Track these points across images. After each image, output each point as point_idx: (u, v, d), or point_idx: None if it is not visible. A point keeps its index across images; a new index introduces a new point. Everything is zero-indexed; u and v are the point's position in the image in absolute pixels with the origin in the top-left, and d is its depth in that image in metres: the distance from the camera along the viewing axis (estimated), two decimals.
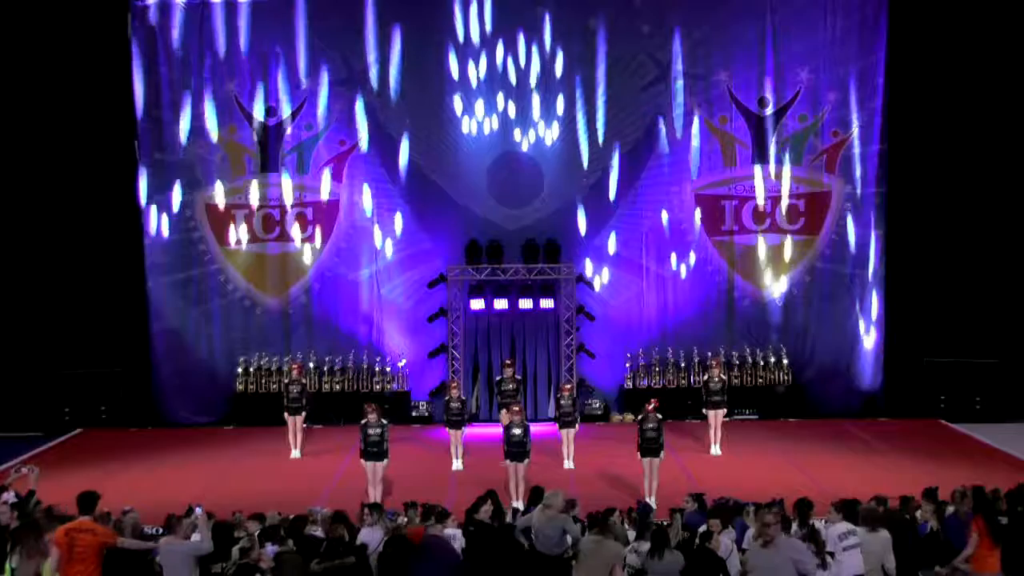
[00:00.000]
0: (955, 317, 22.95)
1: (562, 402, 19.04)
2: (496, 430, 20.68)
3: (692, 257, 23.75)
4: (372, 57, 23.40)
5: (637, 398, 22.88)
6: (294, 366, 21.45)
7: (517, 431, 17.15)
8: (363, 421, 17.13)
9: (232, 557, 11.66)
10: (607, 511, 12.61)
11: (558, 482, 16.95)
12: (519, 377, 21.25)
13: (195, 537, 11.40)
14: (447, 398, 19.44)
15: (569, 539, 11.21)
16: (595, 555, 10.65)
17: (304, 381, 21.06)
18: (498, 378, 21.35)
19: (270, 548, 11.92)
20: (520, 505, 16.53)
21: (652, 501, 16.32)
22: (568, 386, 19.76)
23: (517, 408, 17.72)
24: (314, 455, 20.45)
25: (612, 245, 23.70)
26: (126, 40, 23.11)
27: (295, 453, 20.33)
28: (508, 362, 21.28)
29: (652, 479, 16.79)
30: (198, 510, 12.24)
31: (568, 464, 18.82)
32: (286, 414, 20.47)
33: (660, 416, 17.14)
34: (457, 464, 18.98)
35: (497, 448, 20.06)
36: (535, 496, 14.63)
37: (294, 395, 20.43)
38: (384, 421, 17.26)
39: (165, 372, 23.62)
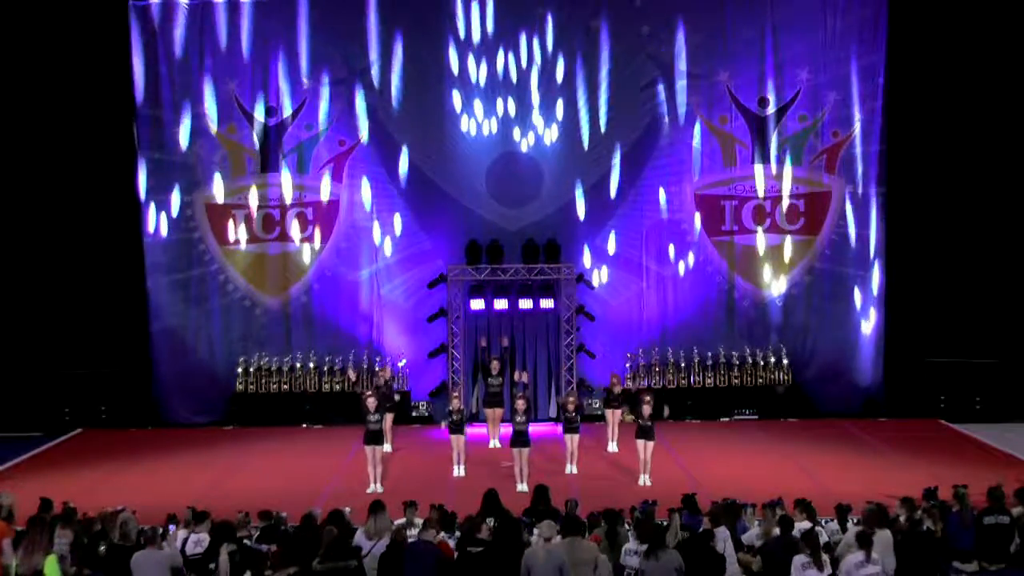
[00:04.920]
0: (955, 317, 22.95)
1: (568, 413, 18.82)
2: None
3: (692, 257, 23.76)
4: (372, 57, 23.40)
5: (637, 398, 22.91)
6: (385, 370, 20.77)
7: (520, 426, 17.80)
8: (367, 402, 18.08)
9: (221, 558, 11.72)
10: (585, 518, 12.98)
11: (559, 482, 16.99)
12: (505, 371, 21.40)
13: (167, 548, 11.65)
14: (448, 408, 19.24)
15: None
16: (573, 556, 10.79)
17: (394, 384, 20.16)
18: (491, 380, 21.33)
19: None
20: (524, 488, 17.02)
21: (647, 478, 17.72)
22: (572, 398, 19.50)
23: (522, 401, 18.02)
24: (314, 455, 20.44)
25: (612, 245, 23.70)
26: (126, 40, 23.11)
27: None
28: (495, 357, 21.50)
29: (646, 458, 17.84)
30: (171, 527, 12.43)
31: (571, 468, 18.74)
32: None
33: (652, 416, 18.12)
34: (459, 471, 18.68)
35: (495, 450, 20.28)
36: (540, 494, 14.73)
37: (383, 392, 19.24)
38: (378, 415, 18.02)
39: (165, 372, 23.61)
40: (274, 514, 13.73)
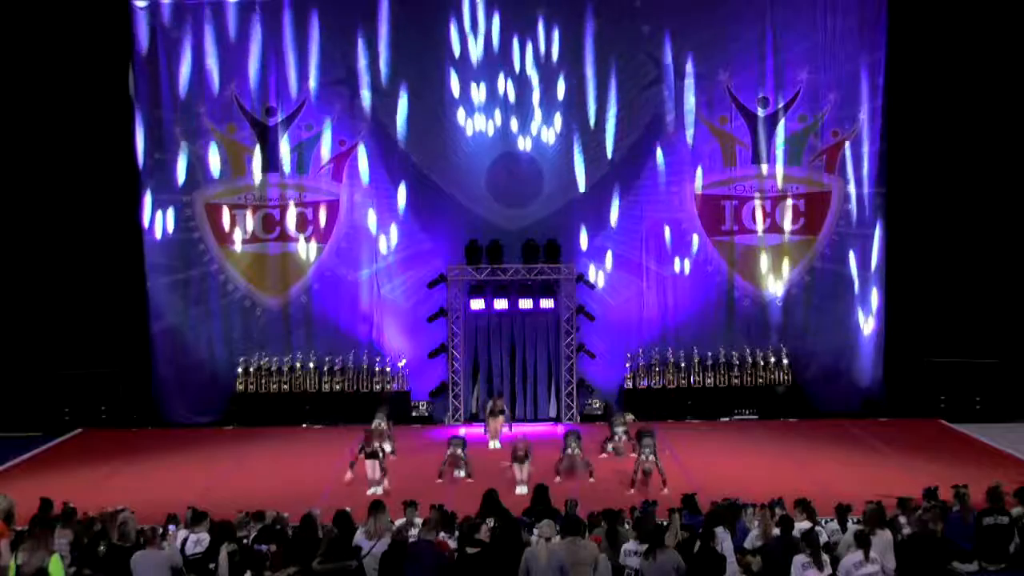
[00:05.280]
0: (955, 317, 22.94)
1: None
2: None
3: (692, 257, 23.75)
4: (372, 57, 23.40)
5: (637, 398, 22.94)
6: (370, 430, 18.50)
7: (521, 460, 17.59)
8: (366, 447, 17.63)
9: (221, 557, 11.73)
10: (586, 518, 13.04)
11: (559, 483, 17.00)
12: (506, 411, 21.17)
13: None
14: (448, 452, 18.56)
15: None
16: (573, 556, 10.79)
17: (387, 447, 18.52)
18: (489, 404, 21.34)
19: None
20: (524, 489, 16.92)
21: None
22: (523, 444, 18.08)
23: (522, 448, 17.73)
24: (314, 455, 20.44)
25: (612, 245, 23.70)
26: (127, 40, 23.13)
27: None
28: (499, 397, 21.37)
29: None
30: (172, 527, 12.42)
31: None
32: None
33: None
34: (460, 473, 18.41)
35: (495, 451, 20.28)
36: (540, 494, 14.74)
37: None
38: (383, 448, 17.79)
39: (165, 372, 23.62)
40: (268, 514, 13.70)
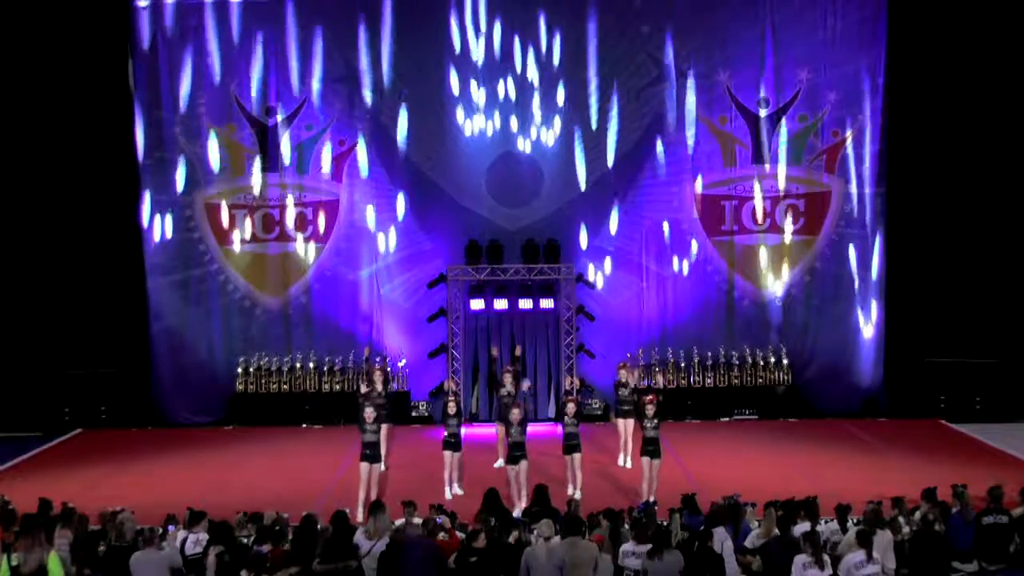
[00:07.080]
0: (955, 317, 22.94)
1: (568, 427, 17.12)
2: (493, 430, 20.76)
3: (692, 257, 23.76)
4: (372, 57, 23.41)
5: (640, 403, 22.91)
6: (376, 370, 18.74)
7: (516, 436, 16.47)
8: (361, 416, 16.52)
9: (209, 559, 11.75)
10: (586, 518, 12.98)
11: (559, 482, 16.98)
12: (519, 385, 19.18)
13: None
14: (444, 413, 17.72)
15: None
16: (573, 556, 10.80)
17: (386, 389, 18.43)
18: (503, 390, 19.25)
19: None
20: (522, 506, 16.50)
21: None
22: (573, 406, 17.33)
23: (517, 410, 16.57)
24: (314, 455, 20.44)
25: (612, 245, 23.71)
26: (128, 39, 23.13)
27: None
28: (508, 369, 19.49)
29: (652, 481, 16.43)
30: (171, 528, 12.41)
31: (575, 493, 16.60)
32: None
33: (656, 415, 16.70)
34: (454, 490, 17.41)
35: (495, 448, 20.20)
36: (539, 495, 14.72)
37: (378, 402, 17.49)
38: (380, 424, 16.94)
39: (165, 372, 23.62)
40: (267, 515, 13.71)
